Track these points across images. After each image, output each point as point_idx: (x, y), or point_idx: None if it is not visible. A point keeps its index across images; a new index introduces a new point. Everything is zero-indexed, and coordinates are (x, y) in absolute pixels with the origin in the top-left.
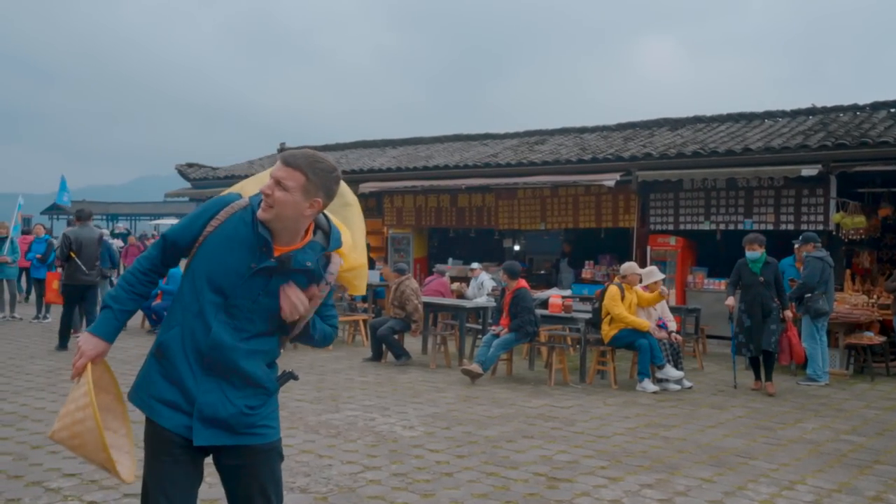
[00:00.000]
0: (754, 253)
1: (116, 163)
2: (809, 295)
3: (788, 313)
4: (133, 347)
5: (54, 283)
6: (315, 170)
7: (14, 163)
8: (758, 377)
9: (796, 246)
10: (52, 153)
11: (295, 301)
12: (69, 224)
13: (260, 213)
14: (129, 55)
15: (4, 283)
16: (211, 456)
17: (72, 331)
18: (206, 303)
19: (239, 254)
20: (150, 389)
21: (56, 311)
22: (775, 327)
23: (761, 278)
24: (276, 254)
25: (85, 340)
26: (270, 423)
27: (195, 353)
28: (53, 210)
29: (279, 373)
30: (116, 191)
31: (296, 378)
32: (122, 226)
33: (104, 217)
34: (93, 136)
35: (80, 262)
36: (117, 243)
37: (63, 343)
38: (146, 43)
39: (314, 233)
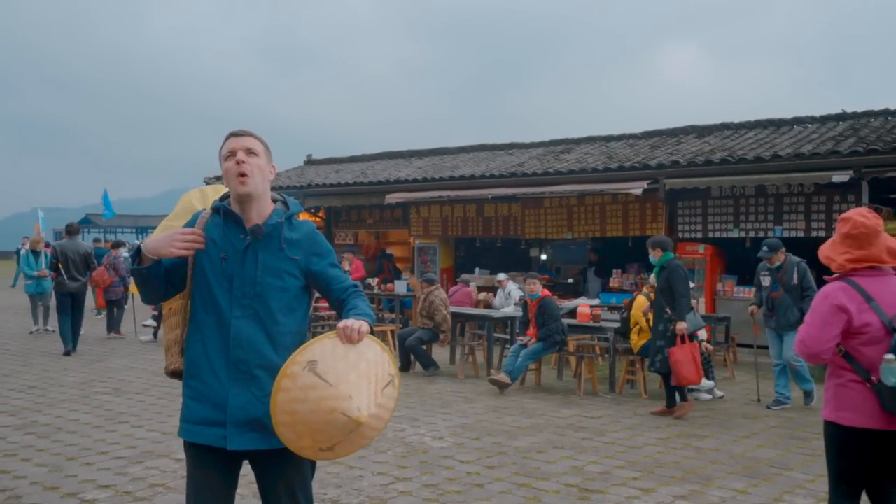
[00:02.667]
0: (652, 257)
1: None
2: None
3: (681, 325)
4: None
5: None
6: (260, 135)
7: (44, 177)
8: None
9: (767, 256)
10: (82, 167)
11: (351, 329)
12: (108, 238)
13: (240, 188)
14: (156, 71)
15: (39, 296)
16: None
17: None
18: (218, 308)
19: (224, 247)
20: (186, 415)
21: (86, 324)
22: (661, 343)
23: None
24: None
25: None
26: None
27: (221, 361)
28: (83, 224)
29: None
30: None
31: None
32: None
33: (134, 230)
34: (122, 150)
35: (65, 273)
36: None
37: (66, 345)
38: (172, 59)
39: (274, 204)
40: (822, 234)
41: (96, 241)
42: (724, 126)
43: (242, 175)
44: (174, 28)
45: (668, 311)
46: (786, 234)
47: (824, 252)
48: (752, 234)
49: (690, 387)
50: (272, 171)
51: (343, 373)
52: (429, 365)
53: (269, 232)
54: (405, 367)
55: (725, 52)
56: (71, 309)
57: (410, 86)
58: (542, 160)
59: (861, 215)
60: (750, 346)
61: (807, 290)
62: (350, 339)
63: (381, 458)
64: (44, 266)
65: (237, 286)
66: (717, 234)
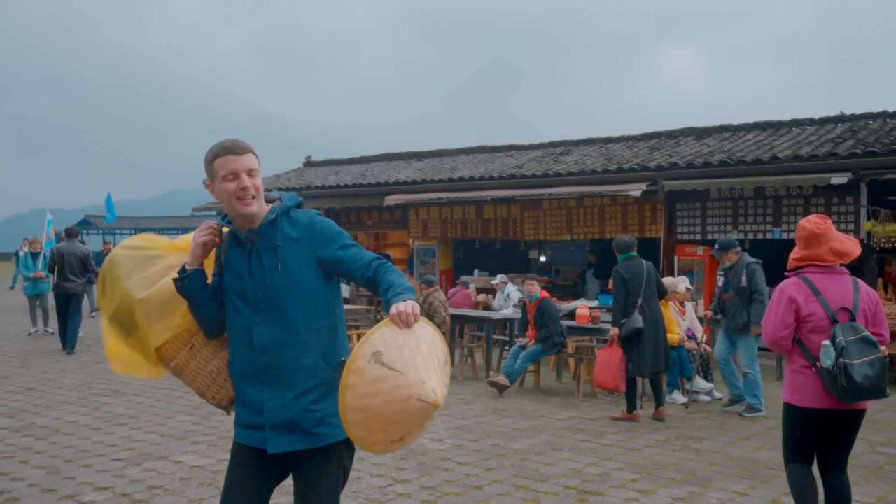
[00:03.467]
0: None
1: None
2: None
3: (613, 330)
4: None
5: None
6: (252, 146)
7: (43, 179)
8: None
9: (717, 255)
10: (81, 169)
11: (406, 314)
12: (104, 239)
13: (245, 210)
14: (155, 73)
15: (38, 297)
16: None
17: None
18: (241, 317)
19: (237, 263)
20: (238, 420)
21: (85, 326)
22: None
23: None
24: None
25: None
26: (335, 422)
27: (251, 368)
28: (83, 225)
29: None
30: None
31: None
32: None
33: (133, 232)
34: (121, 152)
35: (61, 274)
36: None
37: (64, 346)
38: (171, 61)
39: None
40: None
41: (106, 243)
42: (723, 128)
43: (250, 199)
44: (173, 30)
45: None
46: (784, 235)
47: (791, 255)
48: (750, 235)
49: (688, 388)
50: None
51: (409, 359)
52: None
53: (264, 232)
54: None
55: (724, 54)
56: (68, 308)
57: (410, 88)
58: (541, 162)
59: (808, 220)
60: None
61: (755, 293)
62: (407, 323)
63: (380, 459)
64: (40, 267)
65: (251, 293)
66: (716, 236)
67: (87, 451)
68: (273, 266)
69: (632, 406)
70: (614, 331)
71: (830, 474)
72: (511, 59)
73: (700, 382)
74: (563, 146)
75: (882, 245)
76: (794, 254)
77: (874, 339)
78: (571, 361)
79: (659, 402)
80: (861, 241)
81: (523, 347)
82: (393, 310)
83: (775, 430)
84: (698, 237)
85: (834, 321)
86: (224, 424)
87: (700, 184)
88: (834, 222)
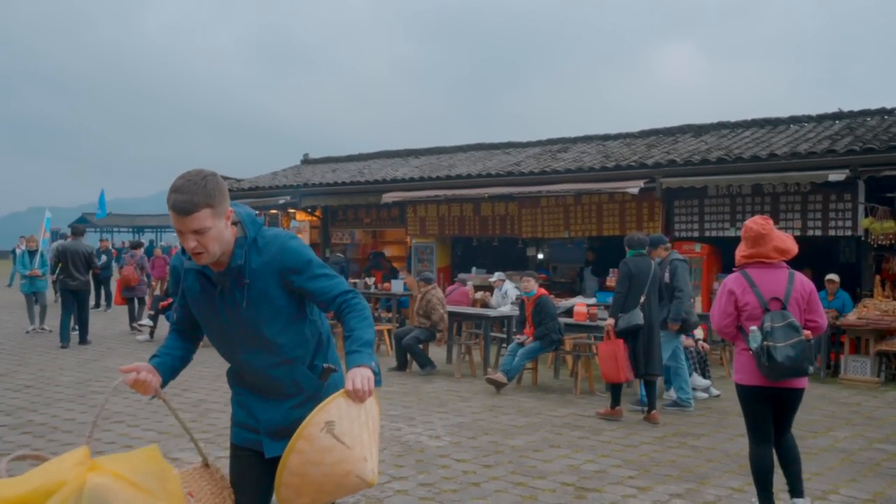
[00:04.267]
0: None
1: (142, 176)
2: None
3: (608, 322)
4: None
5: (120, 288)
6: (208, 191)
7: (40, 177)
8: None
9: (647, 251)
10: (78, 167)
11: (362, 392)
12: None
13: (199, 262)
14: (151, 70)
15: (35, 295)
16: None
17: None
18: (223, 346)
19: (202, 299)
20: (234, 420)
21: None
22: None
23: None
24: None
25: None
26: None
27: (243, 381)
28: (82, 223)
29: (321, 369)
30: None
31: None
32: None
33: (130, 230)
34: (118, 150)
35: (65, 272)
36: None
37: (62, 340)
38: (167, 58)
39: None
40: (818, 232)
41: (103, 240)
42: (721, 125)
43: (199, 257)
44: (170, 27)
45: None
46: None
47: (736, 252)
48: None
49: (695, 384)
50: (228, 216)
51: (358, 434)
52: (425, 364)
53: (234, 274)
54: (402, 366)
55: (722, 51)
56: (74, 305)
57: (406, 85)
58: (539, 159)
59: (753, 222)
60: None
61: (676, 289)
62: (362, 401)
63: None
64: (37, 265)
65: (228, 329)
66: (714, 234)
67: None
68: (249, 299)
69: (615, 402)
70: (610, 321)
71: (778, 443)
72: (507, 55)
73: (697, 379)
74: (560, 143)
75: (879, 242)
76: (742, 251)
77: (799, 325)
78: (569, 359)
79: (652, 405)
80: (858, 238)
81: (521, 344)
82: (349, 385)
83: None
84: (696, 234)
85: (766, 309)
86: (221, 422)
87: (698, 181)
88: (832, 219)
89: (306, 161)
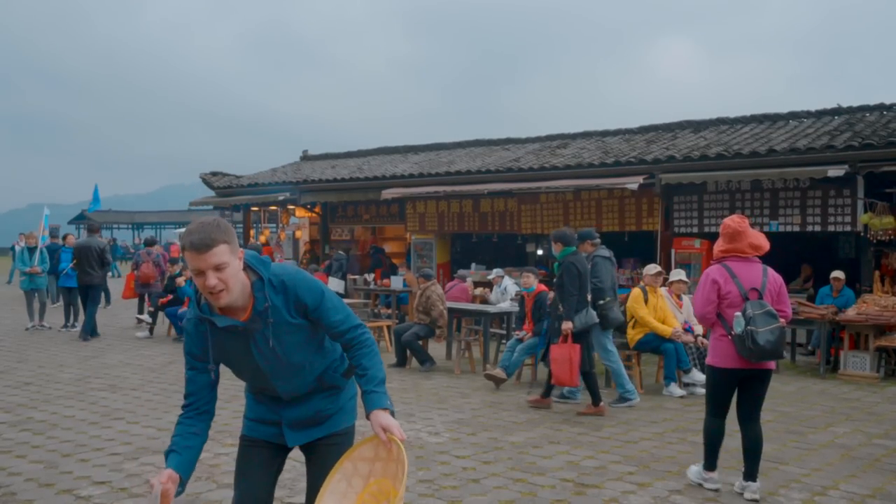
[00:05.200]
0: (553, 251)
1: (141, 172)
2: (602, 302)
3: (566, 325)
4: (159, 355)
5: (131, 283)
6: (222, 229)
7: (40, 173)
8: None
9: (575, 245)
10: (78, 164)
11: (392, 430)
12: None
13: (219, 303)
14: (150, 67)
15: (34, 292)
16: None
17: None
18: (257, 381)
19: (228, 345)
20: (249, 413)
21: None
22: (555, 340)
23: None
24: (242, 320)
25: None
26: (347, 410)
27: (272, 399)
28: (82, 220)
29: (346, 368)
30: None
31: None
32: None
33: (130, 226)
34: (118, 147)
35: (82, 266)
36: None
37: (88, 333)
38: (166, 55)
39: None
40: (817, 228)
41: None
42: (720, 121)
43: (219, 294)
44: (167, 23)
45: (561, 307)
46: (781, 228)
47: (715, 247)
48: None
49: (685, 380)
50: (240, 255)
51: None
52: (425, 360)
53: (261, 318)
54: (401, 362)
55: (720, 46)
56: (84, 298)
57: (404, 81)
58: (538, 155)
59: (731, 220)
60: None
61: (593, 287)
62: (392, 443)
63: None
64: (36, 262)
65: (263, 366)
66: (713, 229)
67: (84, 445)
68: (276, 337)
69: (597, 399)
70: (569, 325)
71: (747, 424)
72: (505, 51)
73: (697, 375)
74: (560, 139)
75: (879, 237)
76: (720, 246)
77: (776, 312)
78: None
79: (598, 398)
80: (858, 233)
81: (520, 340)
82: (379, 429)
83: (772, 422)
84: (695, 230)
85: (746, 298)
86: (221, 419)
87: (697, 177)
88: (831, 215)
89: (305, 157)
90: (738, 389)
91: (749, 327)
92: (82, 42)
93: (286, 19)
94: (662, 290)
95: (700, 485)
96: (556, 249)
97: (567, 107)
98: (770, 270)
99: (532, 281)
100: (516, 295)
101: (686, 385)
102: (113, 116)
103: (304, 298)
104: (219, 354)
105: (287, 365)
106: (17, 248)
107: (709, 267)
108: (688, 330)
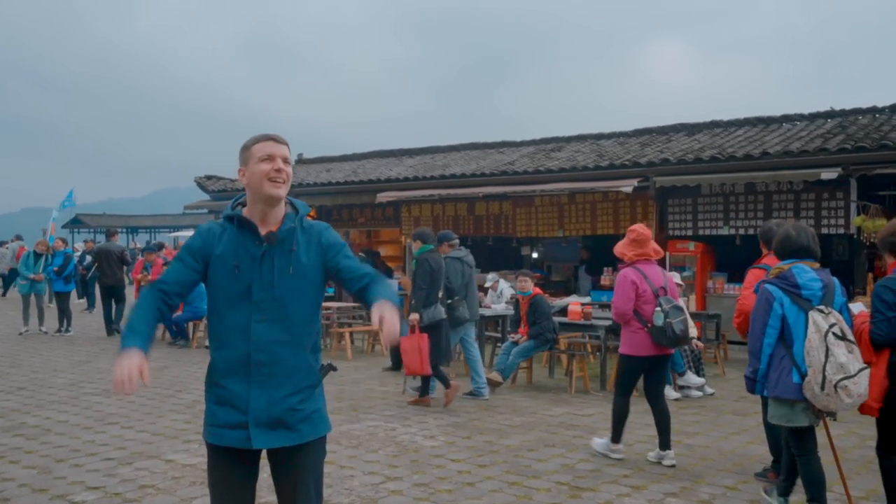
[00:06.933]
0: (413, 248)
1: (136, 176)
2: (450, 301)
3: (413, 317)
4: (154, 360)
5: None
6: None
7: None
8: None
9: (436, 246)
10: (72, 167)
11: (390, 325)
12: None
13: (273, 191)
14: (143, 70)
15: (33, 297)
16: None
17: (112, 327)
18: (237, 312)
19: (238, 255)
20: (210, 419)
21: (76, 325)
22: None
23: None
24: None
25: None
26: (320, 417)
27: (241, 366)
28: (74, 224)
29: (321, 365)
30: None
31: (335, 369)
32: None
33: (124, 230)
34: (112, 150)
35: (103, 269)
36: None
37: (108, 330)
38: (160, 58)
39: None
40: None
41: (87, 241)
42: (714, 124)
43: (280, 180)
44: (161, 26)
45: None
46: None
47: (619, 250)
48: (742, 231)
49: (680, 383)
50: None
51: None
52: None
53: (284, 237)
54: (397, 366)
55: (713, 49)
56: (111, 298)
57: (398, 84)
58: (533, 158)
59: (641, 227)
60: (742, 343)
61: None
62: (391, 333)
63: (372, 457)
64: (41, 269)
65: (256, 291)
66: (708, 232)
67: (78, 450)
68: (285, 269)
69: (425, 391)
70: (415, 317)
71: (656, 402)
72: (497, 54)
73: (692, 377)
74: (554, 142)
75: (872, 240)
76: (629, 250)
77: (681, 305)
78: (564, 358)
79: (425, 390)
80: (851, 236)
81: (515, 344)
82: (376, 311)
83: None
84: (690, 233)
85: (656, 295)
86: None
87: (691, 180)
88: (824, 217)
89: (300, 161)
90: (644, 374)
91: (668, 320)
92: (76, 45)
93: (278, 22)
94: None
95: (606, 455)
96: (415, 247)
97: (560, 110)
98: (666, 271)
99: (529, 285)
100: (511, 298)
101: (681, 388)
102: (107, 120)
103: (327, 238)
104: (219, 265)
105: (275, 304)
106: (6, 251)
107: (623, 269)
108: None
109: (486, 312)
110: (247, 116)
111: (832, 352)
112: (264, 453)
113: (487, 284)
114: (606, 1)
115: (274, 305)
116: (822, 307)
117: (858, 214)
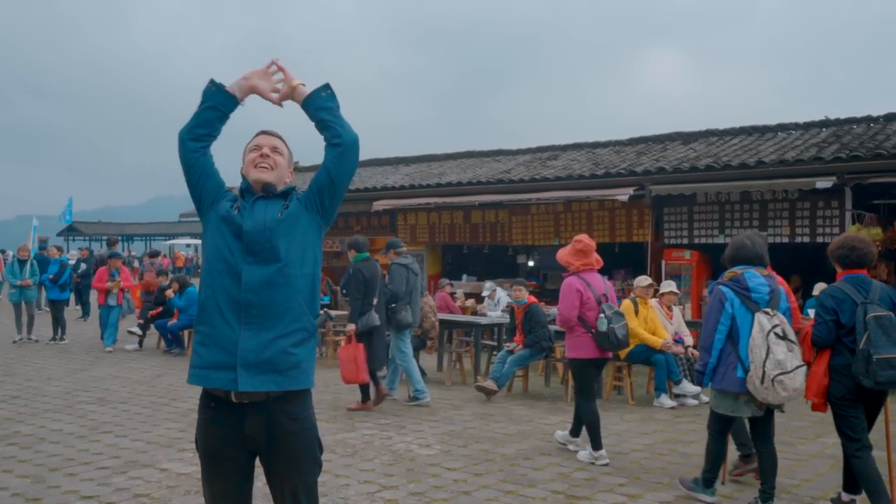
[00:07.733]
0: (350, 257)
1: (131, 183)
2: (394, 306)
3: (350, 327)
4: (149, 368)
5: (138, 293)
6: (287, 146)
7: (30, 185)
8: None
9: (385, 254)
10: (67, 175)
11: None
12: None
13: (260, 174)
14: (139, 77)
15: (23, 305)
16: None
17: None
18: (229, 254)
19: (236, 203)
20: (197, 361)
21: (71, 333)
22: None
23: None
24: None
25: None
26: (309, 368)
27: (231, 306)
28: (71, 232)
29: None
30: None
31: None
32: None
33: (120, 238)
34: (107, 158)
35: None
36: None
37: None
38: (155, 65)
39: None
40: (806, 239)
41: (82, 250)
42: (709, 133)
43: (265, 166)
44: (156, 34)
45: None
46: (771, 239)
47: (565, 258)
48: None
49: (675, 391)
50: (290, 175)
51: None
52: None
53: (279, 193)
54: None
55: (709, 58)
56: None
57: (393, 93)
58: (529, 167)
59: (587, 237)
60: None
61: (387, 291)
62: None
63: (368, 465)
64: (28, 275)
65: (247, 233)
66: (703, 240)
67: (72, 459)
68: (276, 212)
69: (366, 396)
70: (351, 327)
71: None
72: (492, 64)
73: (687, 386)
74: (550, 151)
75: None
76: (577, 259)
77: (622, 312)
78: (559, 366)
79: (367, 396)
80: None
81: (511, 352)
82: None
83: None
84: (685, 241)
85: (599, 302)
86: None
87: (687, 188)
88: (819, 226)
89: (296, 169)
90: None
91: (611, 325)
92: (71, 52)
93: (274, 31)
94: (653, 302)
95: (592, 463)
96: (350, 256)
97: (555, 119)
98: (606, 279)
99: (524, 294)
100: (507, 306)
101: (676, 396)
102: (103, 127)
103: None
104: (217, 218)
105: (267, 246)
106: (7, 261)
107: (567, 278)
108: (678, 341)
109: (482, 321)
110: (242, 124)
111: (772, 349)
112: (258, 462)
113: (485, 293)
114: (601, 11)
115: (266, 247)
116: (768, 309)
117: (853, 223)
